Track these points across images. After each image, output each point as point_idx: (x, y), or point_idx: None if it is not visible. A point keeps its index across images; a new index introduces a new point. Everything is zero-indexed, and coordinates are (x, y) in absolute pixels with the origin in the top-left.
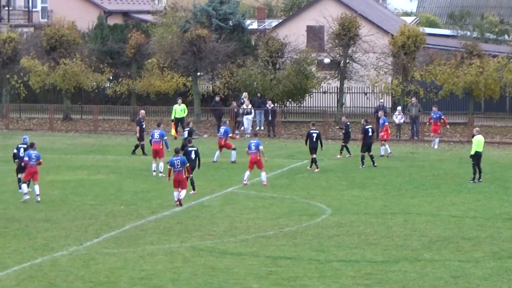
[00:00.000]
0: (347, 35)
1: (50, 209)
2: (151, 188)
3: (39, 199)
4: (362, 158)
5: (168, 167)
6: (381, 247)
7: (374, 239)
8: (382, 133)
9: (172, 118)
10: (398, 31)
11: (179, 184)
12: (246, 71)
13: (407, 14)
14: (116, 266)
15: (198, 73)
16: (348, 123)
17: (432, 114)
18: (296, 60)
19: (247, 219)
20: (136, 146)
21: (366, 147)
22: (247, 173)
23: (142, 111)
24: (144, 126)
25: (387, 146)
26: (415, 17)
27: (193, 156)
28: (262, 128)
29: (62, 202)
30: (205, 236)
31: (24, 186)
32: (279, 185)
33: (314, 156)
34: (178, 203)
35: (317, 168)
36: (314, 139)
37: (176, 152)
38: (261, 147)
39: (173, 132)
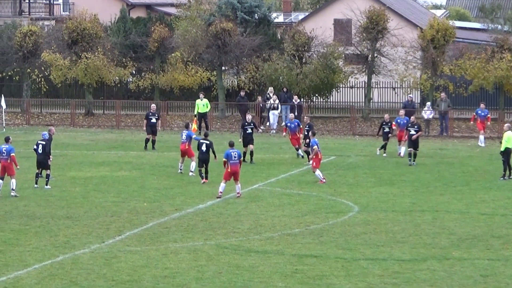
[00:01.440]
0: (375, 28)
1: (72, 206)
2: (174, 185)
3: (12, 194)
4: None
5: (224, 159)
6: (409, 245)
7: (402, 237)
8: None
9: (195, 113)
10: (427, 25)
11: (232, 176)
12: (271, 65)
13: (436, 7)
14: (139, 264)
15: (223, 68)
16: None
17: (479, 111)
18: (323, 54)
19: (272, 216)
20: (146, 141)
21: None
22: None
23: (153, 105)
24: (153, 121)
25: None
26: (444, 10)
27: (204, 148)
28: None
29: (84, 199)
30: (229, 233)
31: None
32: (305, 181)
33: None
34: (220, 196)
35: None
36: (307, 133)
37: (231, 145)
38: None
39: (194, 127)
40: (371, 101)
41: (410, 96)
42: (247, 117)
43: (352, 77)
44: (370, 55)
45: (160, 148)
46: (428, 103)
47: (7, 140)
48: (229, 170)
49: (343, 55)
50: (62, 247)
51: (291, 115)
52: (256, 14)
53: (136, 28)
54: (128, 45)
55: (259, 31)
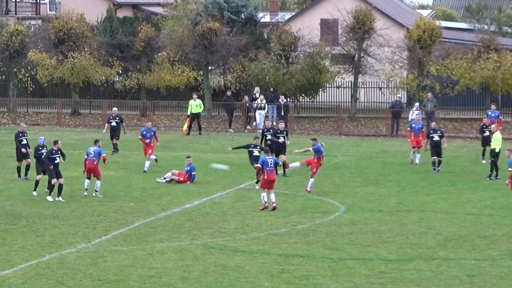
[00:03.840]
0: (361, 28)
1: (58, 206)
2: (161, 184)
3: (95, 194)
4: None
5: (258, 165)
6: (396, 245)
7: (388, 237)
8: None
9: (188, 113)
10: (413, 25)
11: (270, 184)
12: (258, 65)
13: (423, 7)
14: (125, 264)
15: (210, 67)
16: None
17: (489, 112)
18: (310, 54)
19: (258, 216)
20: (114, 145)
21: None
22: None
23: (114, 108)
24: (113, 124)
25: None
26: (431, 10)
27: (256, 153)
28: (275, 123)
29: (70, 198)
30: (216, 233)
31: (86, 181)
32: (291, 181)
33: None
34: (265, 206)
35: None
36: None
37: (266, 152)
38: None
39: (185, 127)
40: (358, 101)
41: (398, 97)
42: (280, 125)
43: (338, 77)
44: (356, 55)
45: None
46: (417, 104)
47: (96, 142)
48: (265, 177)
49: (330, 55)
50: (49, 246)
51: None
52: (242, 14)
53: (122, 27)
54: (114, 44)
55: (245, 31)
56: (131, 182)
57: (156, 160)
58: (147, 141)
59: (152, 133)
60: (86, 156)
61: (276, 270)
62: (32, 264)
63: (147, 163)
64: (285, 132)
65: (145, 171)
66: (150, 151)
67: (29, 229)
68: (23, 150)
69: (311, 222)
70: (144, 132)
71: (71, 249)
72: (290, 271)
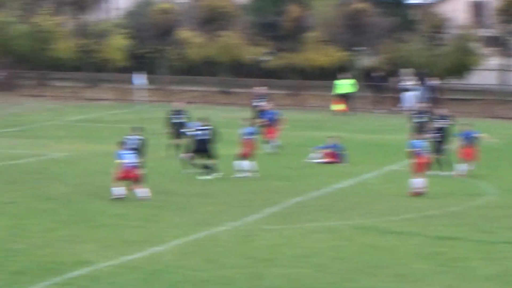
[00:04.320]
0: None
1: (209, 184)
2: (310, 164)
3: (250, 174)
4: None
5: (411, 149)
6: None
7: None
8: None
9: (340, 92)
10: None
11: (421, 167)
12: (407, 46)
13: None
14: (277, 243)
15: (358, 48)
16: None
17: None
18: (459, 36)
19: (409, 198)
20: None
21: None
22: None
23: (259, 88)
24: (259, 104)
25: None
26: None
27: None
28: (424, 105)
29: (222, 176)
30: (366, 214)
31: (244, 163)
32: (444, 164)
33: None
34: (417, 192)
35: None
36: None
37: (418, 135)
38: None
39: (341, 106)
40: (507, 84)
41: None
42: (442, 110)
43: (488, 60)
44: (506, 38)
45: (296, 128)
46: None
47: (247, 121)
48: (417, 161)
49: (479, 38)
50: (200, 224)
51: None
52: None
53: (272, 7)
54: (264, 24)
55: (394, 12)
56: (279, 162)
57: None
58: (266, 122)
59: (272, 115)
60: (244, 137)
61: (428, 252)
62: (184, 241)
63: (270, 146)
64: (447, 118)
65: (273, 152)
66: (272, 134)
67: (180, 206)
68: (175, 128)
69: (463, 204)
70: (263, 114)
71: (222, 227)
72: (443, 253)
